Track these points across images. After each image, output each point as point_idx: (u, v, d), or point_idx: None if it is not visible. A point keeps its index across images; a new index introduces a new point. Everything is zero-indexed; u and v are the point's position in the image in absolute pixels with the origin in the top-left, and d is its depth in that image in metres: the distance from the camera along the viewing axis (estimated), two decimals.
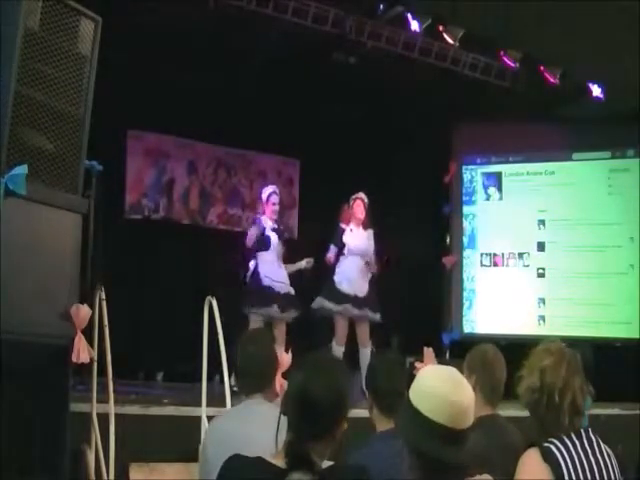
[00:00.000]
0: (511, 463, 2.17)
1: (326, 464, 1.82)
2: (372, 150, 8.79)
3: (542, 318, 8.65)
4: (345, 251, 6.54)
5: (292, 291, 6.39)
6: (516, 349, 2.64)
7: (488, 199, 9.05)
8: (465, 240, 9.06)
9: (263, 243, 6.31)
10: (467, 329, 8.92)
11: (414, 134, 8.65)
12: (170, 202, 8.39)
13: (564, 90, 8.14)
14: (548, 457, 2.10)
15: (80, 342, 3.49)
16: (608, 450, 2.19)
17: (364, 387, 5.57)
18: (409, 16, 7.17)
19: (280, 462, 1.77)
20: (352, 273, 6.52)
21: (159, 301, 7.72)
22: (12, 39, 3.19)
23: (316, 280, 6.71)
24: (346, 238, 6.55)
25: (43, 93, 3.35)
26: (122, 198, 7.97)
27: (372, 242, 6.62)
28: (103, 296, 4.25)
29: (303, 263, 6.55)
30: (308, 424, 1.78)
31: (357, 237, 6.58)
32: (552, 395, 2.15)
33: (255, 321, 6.12)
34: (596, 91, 8.14)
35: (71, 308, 3.47)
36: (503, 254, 8.90)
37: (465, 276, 9.01)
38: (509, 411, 3.11)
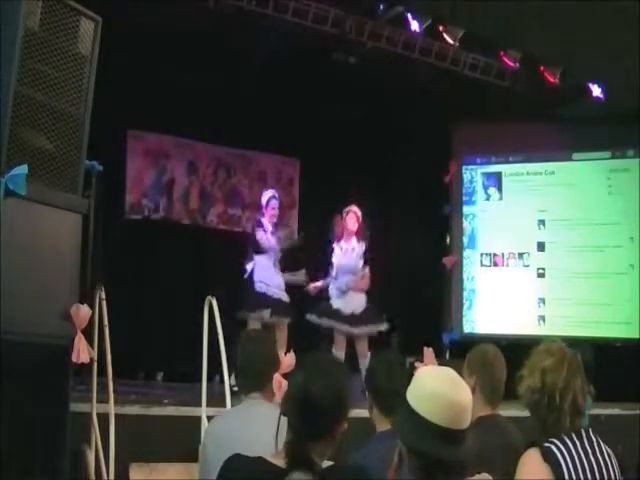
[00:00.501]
0: (511, 463, 2.18)
1: (326, 464, 1.82)
2: (372, 150, 8.79)
3: (542, 318, 8.65)
4: (334, 271, 6.53)
5: (285, 297, 6.37)
6: (516, 349, 2.64)
7: (488, 199, 9.05)
8: (465, 240, 9.06)
9: (260, 246, 6.31)
10: (467, 329, 8.92)
11: (414, 134, 8.65)
12: (170, 202, 8.39)
13: (564, 90, 8.15)
14: (548, 457, 2.10)
15: (80, 342, 3.49)
16: (608, 450, 2.19)
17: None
18: (409, 16, 7.18)
19: (280, 462, 1.77)
20: (344, 293, 6.50)
21: (159, 301, 7.72)
22: (12, 39, 3.18)
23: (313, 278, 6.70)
24: (335, 258, 6.55)
25: (43, 93, 3.35)
26: (122, 198, 7.97)
27: (361, 257, 6.58)
28: (103, 296, 4.25)
29: (303, 277, 6.56)
30: (308, 424, 1.78)
31: (346, 254, 6.55)
32: (553, 395, 2.15)
33: (254, 324, 6.12)
34: (596, 91, 8.14)
35: (71, 308, 3.47)
36: (503, 254, 8.90)
37: (465, 276, 9.01)
38: (509, 411, 3.11)
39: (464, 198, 9.10)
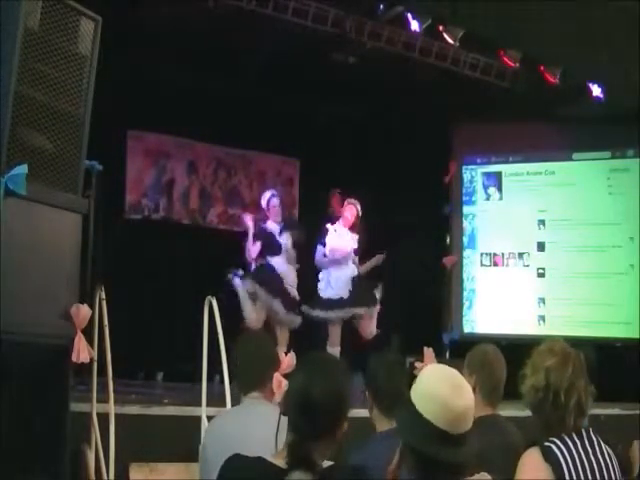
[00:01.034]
0: (511, 463, 2.17)
1: (326, 464, 1.82)
2: (372, 150, 8.79)
3: (542, 318, 8.65)
4: (327, 252, 6.51)
5: (297, 296, 6.38)
6: (516, 349, 2.65)
7: (488, 199, 9.05)
8: (465, 240, 9.07)
9: (274, 249, 6.31)
10: (467, 329, 8.93)
11: (414, 134, 8.65)
12: (170, 202, 8.39)
13: (564, 90, 8.15)
14: (549, 457, 2.09)
15: (80, 342, 3.49)
16: (609, 450, 2.19)
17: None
18: (409, 16, 7.17)
19: (280, 462, 1.77)
20: (335, 275, 6.50)
21: (159, 301, 7.72)
22: (12, 39, 3.18)
23: (313, 278, 6.70)
24: (329, 239, 6.52)
25: (43, 93, 3.34)
26: (122, 198, 7.97)
27: (354, 244, 6.58)
28: (103, 296, 4.25)
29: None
30: (309, 424, 1.78)
31: (341, 237, 6.55)
32: (558, 395, 2.15)
33: (258, 308, 6.12)
34: (596, 91, 8.14)
35: (71, 308, 3.47)
36: (503, 254, 8.90)
37: (465, 276, 9.02)
38: (509, 411, 3.11)
39: (464, 198, 9.11)
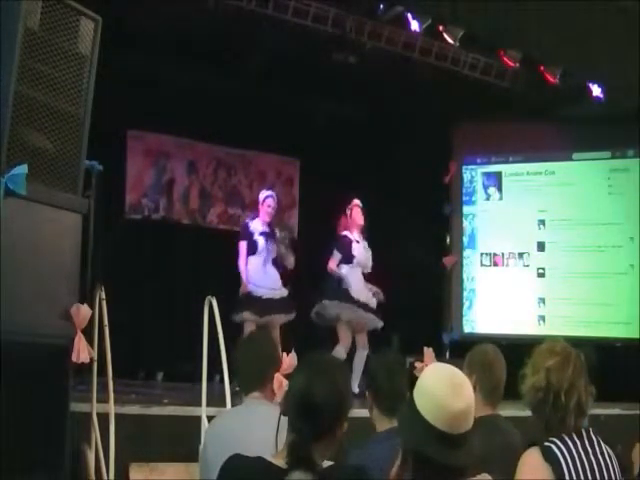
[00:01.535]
0: (511, 463, 2.17)
1: (326, 464, 1.82)
2: (372, 150, 8.80)
3: (542, 318, 8.65)
4: (354, 262, 6.47)
5: (279, 295, 6.31)
6: (516, 349, 2.65)
7: (488, 199, 9.05)
8: (465, 240, 9.07)
9: (252, 248, 6.30)
10: (467, 329, 8.92)
11: (414, 134, 8.65)
12: (170, 202, 8.39)
13: (564, 90, 8.14)
14: (549, 456, 2.09)
15: (80, 342, 3.49)
16: (609, 450, 2.19)
17: (354, 389, 5.57)
18: (409, 16, 7.16)
19: (280, 462, 1.77)
20: (359, 285, 6.49)
21: (159, 301, 7.72)
22: (12, 39, 3.18)
23: (313, 278, 6.70)
24: (354, 249, 6.50)
25: (43, 93, 3.35)
26: (122, 198, 7.97)
27: (370, 254, 6.60)
28: (103, 296, 4.25)
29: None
30: (310, 424, 1.78)
31: (360, 248, 6.55)
32: (558, 395, 2.15)
33: (247, 326, 6.09)
34: (596, 91, 8.13)
35: (71, 308, 3.47)
36: (503, 254, 8.90)
37: (465, 276, 9.01)
38: (509, 411, 3.11)
39: (464, 198, 9.10)
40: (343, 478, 1.85)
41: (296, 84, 7.74)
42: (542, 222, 8.76)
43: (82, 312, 3.51)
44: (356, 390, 5.39)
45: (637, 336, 8.09)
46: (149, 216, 8.18)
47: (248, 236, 6.35)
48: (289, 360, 2.91)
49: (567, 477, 2.07)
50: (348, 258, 6.47)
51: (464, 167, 9.11)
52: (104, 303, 4.24)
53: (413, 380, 1.83)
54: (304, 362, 1.92)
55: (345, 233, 6.54)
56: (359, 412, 2.73)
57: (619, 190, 8.50)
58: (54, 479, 3.38)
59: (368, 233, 6.71)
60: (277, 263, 6.43)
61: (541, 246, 8.75)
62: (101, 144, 4.13)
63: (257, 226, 6.38)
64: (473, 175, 9.11)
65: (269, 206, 6.40)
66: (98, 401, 4.17)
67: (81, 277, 3.70)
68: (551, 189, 8.78)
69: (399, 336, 7.92)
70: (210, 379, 4.82)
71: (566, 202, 8.67)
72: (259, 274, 6.29)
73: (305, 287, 6.65)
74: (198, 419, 4.32)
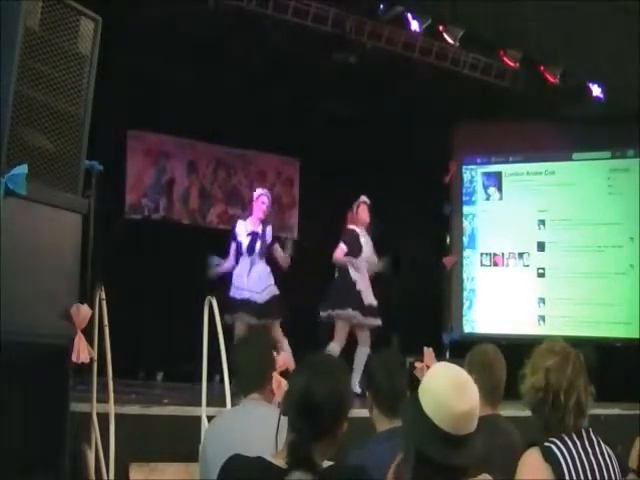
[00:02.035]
0: (511, 463, 2.17)
1: (326, 464, 1.82)
2: (372, 150, 8.79)
3: (542, 318, 8.65)
4: (362, 256, 6.49)
5: (263, 299, 6.25)
6: (516, 349, 2.64)
7: (488, 199, 9.05)
8: (465, 240, 9.06)
9: (237, 249, 6.31)
10: (467, 329, 8.92)
11: (414, 134, 8.65)
12: (170, 202, 8.39)
13: (564, 90, 8.15)
14: (549, 457, 2.09)
15: (80, 342, 3.49)
16: (609, 451, 2.19)
17: (356, 387, 5.57)
18: (409, 16, 7.17)
19: (280, 462, 1.77)
20: (364, 280, 6.51)
21: (159, 301, 7.71)
22: (12, 39, 3.18)
23: (313, 278, 6.70)
24: (362, 242, 6.53)
25: (43, 93, 3.34)
26: (122, 198, 7.97)
27: (373, 250, 6.62)
28: (103, 296, 4.25)
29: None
30: (310, 425, 1.78)
31: (367, 243, 6.57)
32: (558, 395, 2.15)
33: (238, 326, 6.11)
34: (596, 91, 8.13)
35: (71, 308, 3.47)
36: (503, 254, 8.90)
37: (465, 276, 9.01)
38: (509, 411, 3.11)
39: (464, 198, 9.10)
40: (343, 478, 1.86)
41: (296, 84, 7.74)
42: (542, 222, 8.75)
43: (82, 312, 3.51)
44: (357, 390, 5.38)
45: (637, 336, 8.09)
46: (149, 216, 8.18)
47: (233, 237, 6.37)
48: (283, 358, 2.91)
49: (567, 477, 2.07)
50: (356, 251, 6.48)
51: (464, 167, 9.11)
52: (104, 303, 4.24)
53: (413, 380, 1.84)
54: (304, 362, 1.92)
55: (352, 227, 6.55)
56: (359, 412, 2.73)
57: (619, 190, 8.50)
58: (54, 479, 3.37)
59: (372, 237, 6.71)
60: (269, 262, 6.41)
61: (541, 246, 8.75)
62: (101, 144, 4.13)
63: (247, 226, 6.37)
64: (473, 175, 9.11)
65: (263, 203, 6.39)
66: (98, 401, 4.17)
67: (81, 277, 3.70)
68: (551, 189, 8.78)
69: (399, 336, 7.92)
70: (210, 379, 4.82)
71: (566, 202, 8.66)
72: (242, 277, 6.27)
73: (305, 287, 6.65)
74: (198, 419, 4.32)
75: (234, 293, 6.21)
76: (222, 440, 2.46)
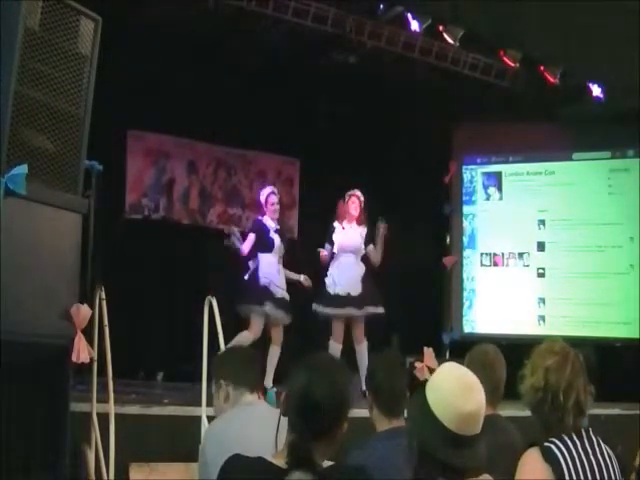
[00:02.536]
0: (511, 463, 2.17)
1: (326, 464, 1.82)
2: (372, 150, 8.79)
3: (542, 318, 8.65)
4: (335, 250, 6.53)
5: (287, 297, 6.35)
6: (516, 349, 2.64)
7: (488, 199, 9.05)
8: (465, 240, 9.06)
9: (266, 245, 6.31)
10: (467, 329, 8.92)
11: (414, 134, 8.65)
12: (170, 202, 8.38)
13: (564, 90, 8.15)
14: (549, 457, 2.09)
15: (80, 342, 3.49)
16: (609, 451, 2.19)
17: (364, 388, 5.57)
18: (409, 16, 7.17)
19: (280, 462, 1.77)
20: (344, 272, 6.50)
21: (159, 301, 7.72)
22: (12, 39, 3.18)
23: (313, 277, 6.70)
24: (336, 237, 6.54)
25: (43, 93, 3.35)
26: (122, 198, 7.96)
27: (364, 238, 6.61)
28: (103, 296, 4.25)
29: (301, 278, 6.55)
30: (310, 425, 1.78)
31: (349, 234, 6.56)
32: (557, 395, 2.15)
33: (255, 319, 6.12)
34: (596, 91, 8.14)
35: (71, 308, 3.47)
36: (503, 254, 8.90)
37: (465, 276, 9.01)
38: (509, 411, 3.11)
39: (464, 198, 9.10)
40: (343, 478, 1.85)
41: (296, 84, 7.74)
42: (542, 222, 8.75)
43: (82, 312, 3.51)
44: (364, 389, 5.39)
45: (637, 336, 8.09)
46: (149, 216, 8.18)
47: (263, 231, 6.35)
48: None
49: (567, 477, 2.07)
50: (333, 245, 6.53)
51: (464, 167, 9.11)
52: (104, 303, 4.25)
53: (413, 380, 1.84)
54: (304, 362, 1.92)
55: (334, 223, 6.59)
56: (359, 412, 2.73)
57: (619, 190, 8.50)
58: (54, 479, 3.38)
59: (368, 233, 6.70)
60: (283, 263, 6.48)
61: (541, 246, 8.75)
62: (101, 144, 4.13)
63: (271, 223, 6.41)
64: (473, 175, 9.11)
65: (272, 204, 6.43)
66: (98, 401, 4.17)
67: (81, 277, 3.70)
68: (551, 189, 8.78)
69: (399, 336, 7.92)
70: (210, 379, 4.81)
71: (566, 202, 8.66)
72: (274, 272, 6.30)
73: (304, 287, 6.64)
74: (198, 419, 4.32)
75: (265, 282, 6.23)
76: (221, 441, 2.46)
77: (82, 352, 3.49)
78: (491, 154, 9.08)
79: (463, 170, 9.11)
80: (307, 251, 6.95)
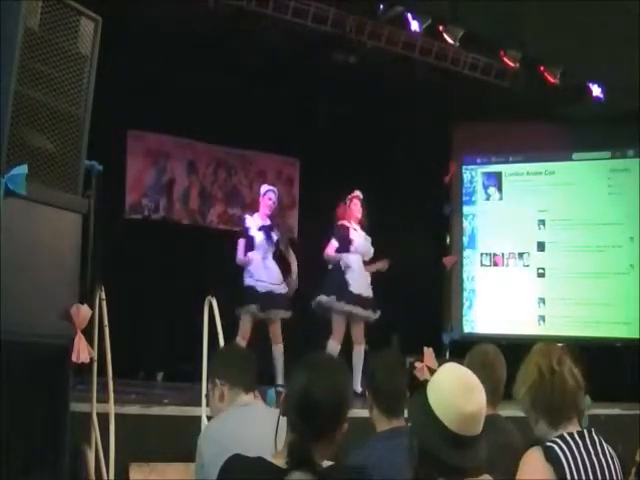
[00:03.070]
0: (512, 463, 2.17)
1: (326, 464, 1.82)
2: (372, 150, 8.79)
3: (542, 318, 8.65)
4: (352, 249, 6.51)
5: (279, 290, 6.36)
6: (516, 349, 2.64)
7: (488, 199, 9.05)
8: (465, 240, 9.07)
9: (250, 244, 6.33)
10: (467, 329, 8.92)
11: (414, 134, 8.65)
12: (170, 202, 8.38)
13: (564, 90, 8.15)
14: (550, 456, 2.09)
15: (80, 342, 3.49)
16: (610, 451, 2.19)
17: (357, 388, 5.57)
18: (409, 16, 7.17)
19: (280, 462, 1.77)
20: (358, 272, 6.51)
21: (159, 301, 7.71)
22: (12, 39, 3.18)
23: (313, 277, 6.70)
24: (352, 236, 6.54)
25: (43, 93, 3.35)
26: (122, 198, 7.96)
27: (369, 242, 6.63)
28: (103, 296, 4.25)
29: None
30: (310, 425, 1.78)
31: (359, 236, 6.58)
32: (552, 395, 2.15)
33: (244, 320, 6.16)
34: (596, 91, 8.14)
35: (71, 308, 3.47)
36: (503, 254, 8.90)
37: (465, 276, 9.01)
38: (509, 411, 3.11)
39: (464, 198, 9.10)
40: (343, 478, 1.85)
41: (296, 84, 7.74)
42: (542, 222, 8.75)
43: (82, 312, 3.51)
44: (359, 390, 5.39)
45: (637, 336, 8.09)
46: (149, 216, 8.18)
47: (245, 231, 6.40)
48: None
49: (569, 477, 2.07)
50: (346, 245, 6.50)
51: (464, 167, 9.11)
52: (104, 303, 4.24)
53: (413, 380, 1.84)
54: (304, 362, 1.92)
55: (343, 222, 6.58)
56: (359, 412, 2.73)
57: (619, 190, 8.50)
58: (54, 479, 3.38)
59: (368, 233, 6.71)
60: (278, 258, 6.45)
61: (541, 246, 8.75)
62: (101, 144, 4.13)
63: (256, 221, 6.41)
64: (473, 175, 9.11)
65: (270, 199, 6.44)
66: (98, 401, 4.17)
67: (81, 277, 3.70)
68: (551, 189, 8.78)
69: (399, 336, 7.92)
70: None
71: (566, 202, 8.66)
72: (259, 269, 6.32)
73: (304, 287, 6.64)
74: (198, 419, 4.32)
75: (253, 284, 6.26)
76: (218, 441, 2.45)
77: (82, 352, 3.49)
78: (491, 154, 9.08)
79: (463, 170, 9.11)
80: (307, 251, 6.95)
